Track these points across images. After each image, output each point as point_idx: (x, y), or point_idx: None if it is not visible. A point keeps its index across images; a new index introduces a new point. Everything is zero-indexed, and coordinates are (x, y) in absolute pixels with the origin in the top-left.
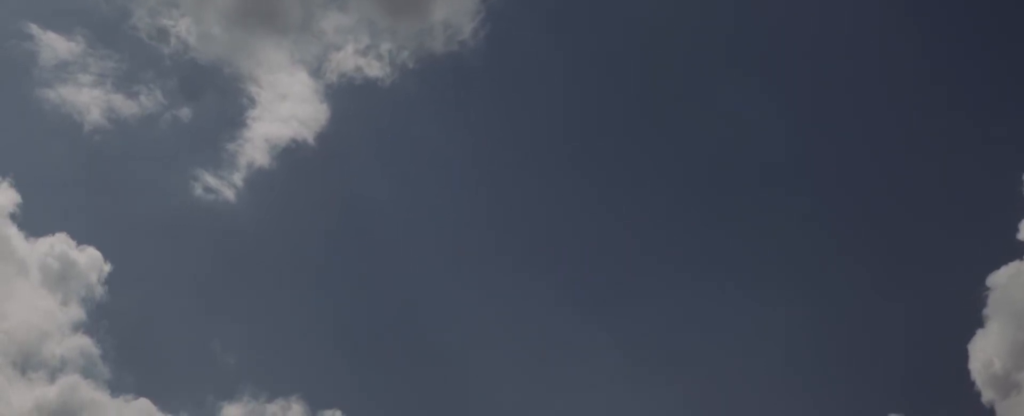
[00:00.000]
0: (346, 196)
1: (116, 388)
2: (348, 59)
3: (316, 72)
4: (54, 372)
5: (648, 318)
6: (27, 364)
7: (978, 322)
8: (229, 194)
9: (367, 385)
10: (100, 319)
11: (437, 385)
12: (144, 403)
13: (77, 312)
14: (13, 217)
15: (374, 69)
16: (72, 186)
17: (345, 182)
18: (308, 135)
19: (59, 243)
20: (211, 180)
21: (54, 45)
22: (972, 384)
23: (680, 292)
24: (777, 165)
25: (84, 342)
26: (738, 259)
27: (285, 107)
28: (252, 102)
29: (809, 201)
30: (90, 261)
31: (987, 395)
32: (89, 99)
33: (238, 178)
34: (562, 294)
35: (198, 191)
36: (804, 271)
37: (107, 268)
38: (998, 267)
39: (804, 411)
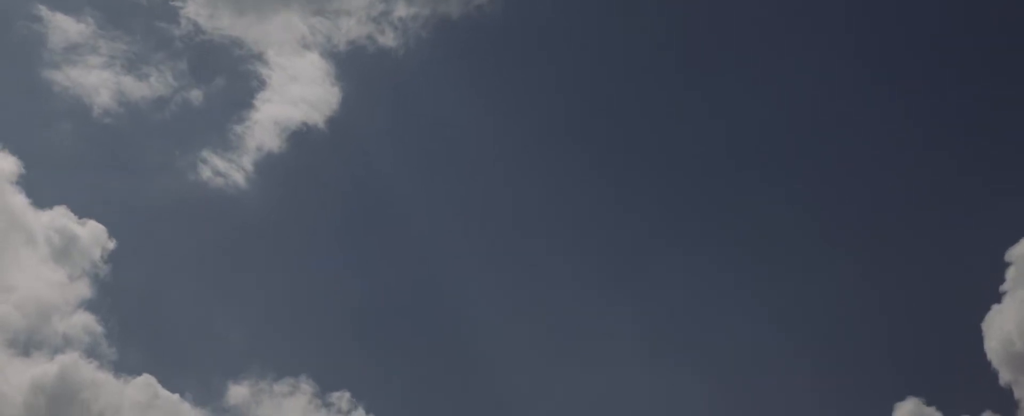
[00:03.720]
0: (357, 178)
1: (120, 367)
2: (359, 27)
3: (327, 48)
4: (56, 349)
5: (666, 301)
6: (29, 341)
7: (994, 298)
8: (238, 177)
9: (376, 367)
10: (104, 296)
11: (448, 368)
12: (147, 379)
13: (81, 288)
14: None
15: (387, 38)
16: (79, 166)
17: (356, 163)
18: (319, 118)
19: (61, 217)
20: (220, 163)
21: (63, 27)
22: (988, 364)
23: (697, 273)
24: (794, 145)
25: (87, 319)
26: (754, 241)
27: (296, 89)
28: (262, 84)
29: (824, 179)
30: (93, 235)
31: (1005, 376)
32: (98, 81)
33: (247, 161)
34: (579, 276)
35: (207, 174)
36: (819, 251)
37: (111, 244)
38: (1017, 241)
39: (821, 397)
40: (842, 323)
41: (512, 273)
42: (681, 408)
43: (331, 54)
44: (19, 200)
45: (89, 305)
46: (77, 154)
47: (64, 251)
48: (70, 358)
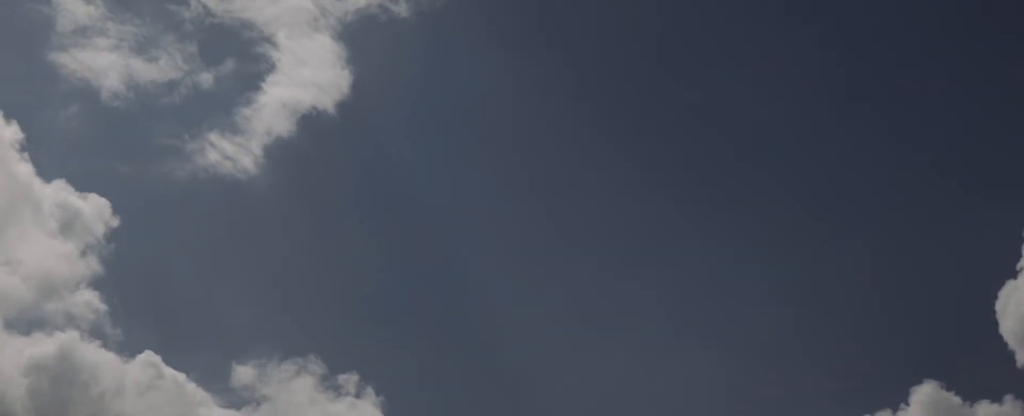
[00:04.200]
0: (367, 161)
1: (123, 347)
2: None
3: (338, 29)
4: (58, 326)
5: (683, 284)
6: (32, 318)
7: (1010, 273)
8: (247, 161)
9: (386, 350)
10: (108, 274)
11: (459, 352)
12: (150, 358)
13: (86, 265)
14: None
15: (400, 8)
16: (87, 149)
17: (366, 148)
18: (329, 103)
19: (62, 191)
20: (228, 147)
21: (72, 9)
22: (1005, 346)
23: (714, 259)
24: (810, 128)
25: (91, 297)
26: (770, 224)
27: (305, 72)
28: (272, 67)
29: (839, 162)
30: (96, 210)
31: (1021, 357)
32: (107, 64)
33: (256, 145)
34: (596, 262)
35: (215, 157)
36: (834, 235)
37: (115, 222)
38: None
39: (838, 382)
40: (857, 306)
41: (527, 258)
42: (698, 391)
43: (342, 35)
44: (25, 169)
45: (93, 283)
46: (85, 137)
47: (69, 227)
48: (72, 336)
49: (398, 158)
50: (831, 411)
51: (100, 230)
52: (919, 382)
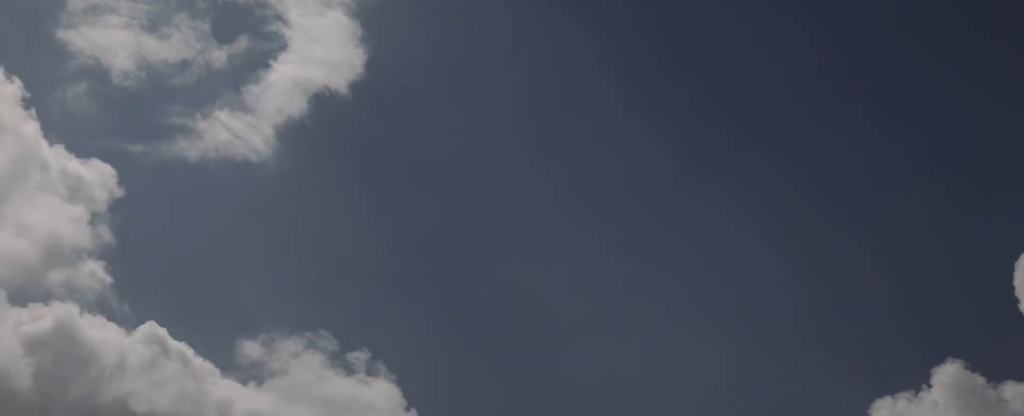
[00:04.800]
0: (378, 141)
1: (126, 318)
2: None
3: (351, 6)
4: (62, 296)
5: (695, 265)
6: (36, 287)
7: None
8: (258, 140)
9: (397, 328)
10: (114, 246)
11: (473, 331)
12: (155, 330)
13: (91, 236)
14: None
15: None
16: (97, 127)
17: (378, 128)
18: (341, 82)
19: (67, 160)
20: (239, 126)
21: None
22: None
23: (730, 240)
24: (825, 107)
25: (96, 267)
26: (784, 204)
27: (318, 50)
28: (284, 45)
29: (855, 141)
30: (101, 179)
31: None
32: (117, 42)
33: (267, 124)
34: (609, 245)
35: (226, 136)
36: (849, 215)
37: (122, 193)
38: None
39: (854, 363)
40: (875, 285)
41: (542, 239)
42: (714, 374)
43: (356, 13)
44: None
45: (99, 254)
46: (95, 116)
47: (76, 196)
48: (76, 307)
49: (412, 137)
50: (849, 394)
51: (107, 202)
52: (941, 362)
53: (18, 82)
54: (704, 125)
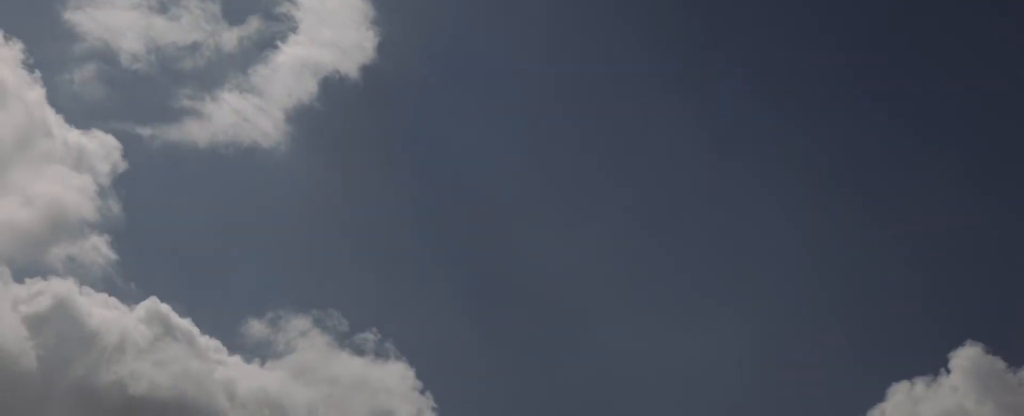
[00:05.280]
0: (387, 121)
1: (129, 294)
2: None
3: None
4: (65, 272)
5: (716, 245)
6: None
7: None
8: (267, 124)
9: (407, 309)
10: (121, 224)
11: (485, 312)
12: (158, 307)
13: (98, 215)
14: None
15: None
16: (103, 111)
17: (389, 109)
18: (351, 65)
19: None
20: (249, 109)
21: None
22: None
23: (747, 217)
24: (844, 86)
25: (100, 243)
26: (801, 183)
27: (327, 32)
28: (295, 27)
29: (872, 120)
30: (106, 150)
31: None
32: (126, 24)
33: (276, 107)
34: (627, 222)
35: (235, 119)
36: (866, 194)
37: (124, 166)
38: None
39: (870, 343)
40: (891, 267)
41: (556, 220)
42: (728, 356)
43: None
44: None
45: (104, 230)
46: (101, 100)
47: (81, 168)
48: (79, 283)
49: (423, 122)
50: (866, 377)
51: (111, 175)
52: (960, 345)
53: (19, 44)
54: (729, 109)
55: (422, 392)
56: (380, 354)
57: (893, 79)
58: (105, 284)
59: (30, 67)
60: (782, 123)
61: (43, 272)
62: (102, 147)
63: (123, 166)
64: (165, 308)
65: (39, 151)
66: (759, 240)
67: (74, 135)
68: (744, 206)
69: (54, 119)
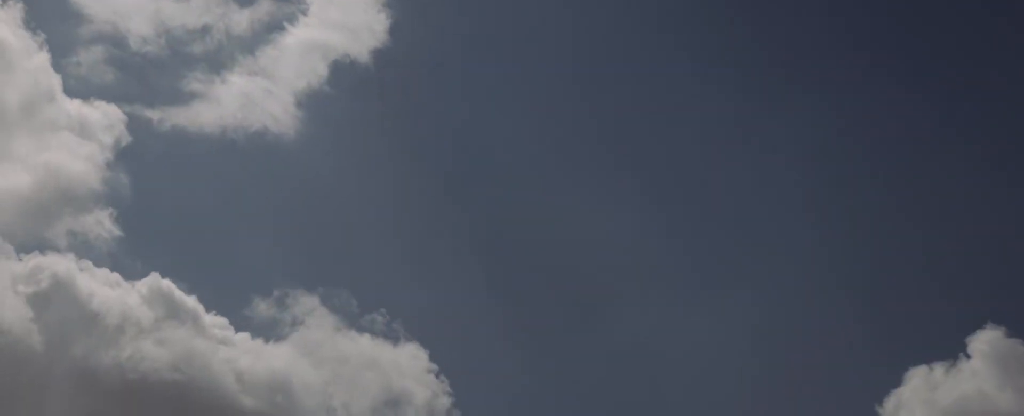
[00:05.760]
0: (397, 101)
1: (132, 271)
2: None
3: None
4: (67, 248)
5: (724, 226)
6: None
7: None
8: (276, 108)
9: (416, 288)
10: (127, 200)
11: (496, 294)
12: (162, 283)
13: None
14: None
15: None
16: (112, 94)
17: (399, 90)
18: (362, 49)
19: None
20: (258, 93)
21: None
22: None
23: (754, 197)
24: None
25: (104, 217)
26: (814, 162)
27: (340, 15)
28: (305, 9)
29: (891, 96)
30: (110, 120)
31: None
32: (135, 6)
33: (286, 90)
34: (637, 198)
35: (244, 103)
36: (882, 173)
37: (128, 138)
38: None
39: (887, 326)
40: (905, 248)
41: (569, 202)
42: (737, 343)
43: None
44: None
45: (110, 204)
46: (109, 84)
47: (86, 136)
48: (81, 257)
49: (435, 107)
50: (881, 363)
51: (115, 149)
52: (981, 327)
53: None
54: (748, 95)
55: (437, 375)
56: (389, 335)
57: (913, 60)
58: (109, 260)
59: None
60: (801, 108)
61: (45, 246)
62: (105, 117)
63: (127, 139)
64: (170, 285)
65: (44, 122)
66: (778, 225)
67: (77, 105)
68: (763, 191)
69: (59, 89)
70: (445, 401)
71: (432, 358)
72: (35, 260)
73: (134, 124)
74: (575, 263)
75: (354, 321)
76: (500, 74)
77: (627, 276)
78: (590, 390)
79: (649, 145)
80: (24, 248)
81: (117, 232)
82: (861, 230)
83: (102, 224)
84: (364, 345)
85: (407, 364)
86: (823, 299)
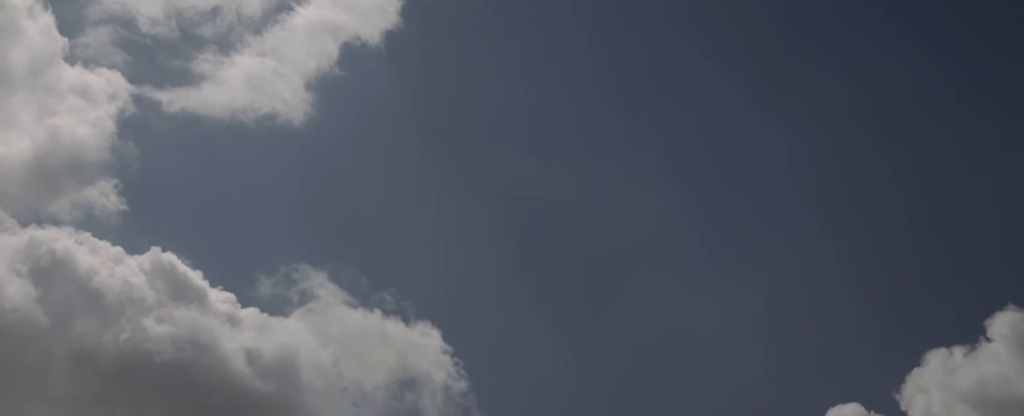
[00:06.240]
0: (413, 88)
1: (135, 244)
2: None
3: None
4: (68, 221)
5: (733, 208)
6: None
7: None
8: (285, 90)
9: (426, 267)
10: (133, 178)
11: (513, 278)
12: (166, 258)
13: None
14: None
15: None
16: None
17: (412, 73)
18: (374, 32)
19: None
20: (267, 74)
21: None
22: None
23: (765, 178)
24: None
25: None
26: (826, 142)
27: None
28: None
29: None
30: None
31: None
32: None
33: (295, 71)
34: (654, 176)
35: (253, 84)
36: (893, 151)
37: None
38: None
39: (906, 308)
40: (921, 227)
41: (584, 184)
42: (750, 327)
43: None
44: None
45: (113, 175)
46: (118, 64)
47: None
48: (81, 230)
49: (447, 88)
50: (895, 350)
51: (117, 118)
52: (1001, 308)
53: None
54: (771, 65)
55: (451, 356)
56: (399, 313)
57: (939, 32)
58: (112, 233)
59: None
60: (820, 86)
61: (45, 219)
62: (110, 85)
63: (133, 109)
64: (174, 259)
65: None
66: (799, 206)
67: (79, 72)
68: (785, 171)
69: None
70: (459, 383)
71: (445, 338)
72: (36, 232)
73: (143, 105)
74: (591, 242)
75: (364, 299)
76: (515, 55)
77: (644, 255)
78: (607, 373)
79: (668, 120)
80: (24, 221)
81: (122, 206)
82: (880, 212)
83: (107, 196)
84: (373, 323)
85: (418, 341)
86: (842, 281)
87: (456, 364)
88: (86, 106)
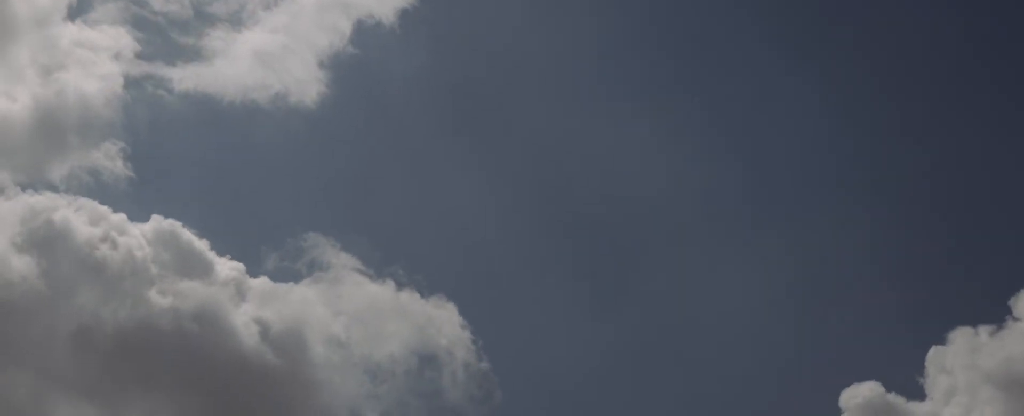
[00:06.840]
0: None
1: (140, 212)
2: None
3: None
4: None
5: (759, 183)
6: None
7: None
8: (297, 66)
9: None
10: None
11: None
12: (173, 226)
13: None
14: None
15: None
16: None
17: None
18: (387, 9)
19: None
20: (277, 51)
21: None
22: None
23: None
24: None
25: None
26: (854, 123)
27: None
28: None
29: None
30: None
31: None
32: None
33: (308, 49)
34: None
35: (263, 60)
36: (920, 130)
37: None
38: None
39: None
40: (946, 204)
41: (602, 156)
42: (776, 302)
43: None
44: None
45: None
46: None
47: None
48: (76, 195)
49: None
50: (916, 328)
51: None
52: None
53: None
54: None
55: (471, 332)
56: (411, 285)
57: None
58: (117, 199)
59: None
60: (860, 46)
61: (46, 185)
62: (115, 43)
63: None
64: (179, 225)
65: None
66: (814, 186)
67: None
68: (813, 142)
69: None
70: (481, 363)
71: (462, 312)
72: (36, 198)
73: (153, 82)
74: (610, 212)
75: (378, 270)
76: (532, 34)
77: (672, 223)
78: (634, 351)
79: (699, 81)
80: (25, 185)
81: (128, 172)
82: (909, 185)
83: (113, 160)
84: (386, 295)
85: (436, 316)
86: (868, 256)
87: (475, 342)
88: (95, 59)
